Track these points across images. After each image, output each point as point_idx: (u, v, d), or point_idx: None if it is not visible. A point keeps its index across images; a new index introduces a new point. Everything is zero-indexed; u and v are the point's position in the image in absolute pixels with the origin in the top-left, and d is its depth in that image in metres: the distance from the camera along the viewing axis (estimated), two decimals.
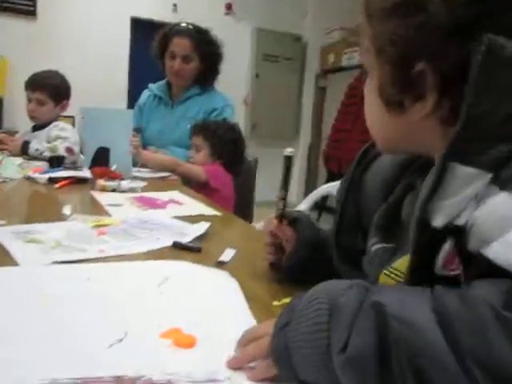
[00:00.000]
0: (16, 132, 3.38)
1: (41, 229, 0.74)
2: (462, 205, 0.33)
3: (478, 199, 0.33)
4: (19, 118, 3.78)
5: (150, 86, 2.11)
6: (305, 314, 0.32)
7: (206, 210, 1.01)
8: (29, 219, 0.82)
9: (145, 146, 1.78)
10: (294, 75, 5.38)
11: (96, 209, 0.96)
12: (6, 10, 4.36)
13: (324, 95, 5.23)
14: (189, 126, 1.77)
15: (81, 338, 0.39)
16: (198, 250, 0.70)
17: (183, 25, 1.98)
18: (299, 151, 5.47)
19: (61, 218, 0.85)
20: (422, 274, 0.36)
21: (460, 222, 0.33)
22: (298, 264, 0.57)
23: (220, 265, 0.64)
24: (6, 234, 0.69)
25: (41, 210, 0.96)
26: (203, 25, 5.45)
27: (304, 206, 1.48)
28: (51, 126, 1.82)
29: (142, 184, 1.30)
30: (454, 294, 0.29)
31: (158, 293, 0.50)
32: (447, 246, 0.35)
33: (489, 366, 0.25)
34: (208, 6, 5.05)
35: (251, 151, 4.74)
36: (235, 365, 0.36)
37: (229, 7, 5.19)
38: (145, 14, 4.86)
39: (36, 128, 1.87)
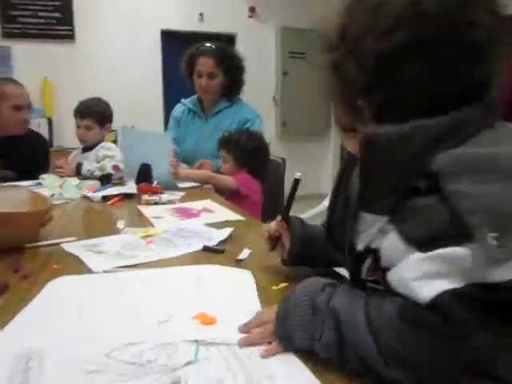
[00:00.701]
0: (66, 149, 3.72)
1: (102, 242, 0.96)
2: (373, 236, 0.50)
3: (383, 232, 0.48)
4: (67, 136, 4.13)
5: (183, 100, 2.32)
6: (296, 311, 0.49)
7: (233, 216, 1.20)
8: (92, 234, 1.04)
9: (182, 158, 2.01)
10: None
11: (142, 221, 1.17)
12: (47, 36, 4.73)
13: None
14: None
15: (140, 318, 0.59)
16: (222, 252, 0.89)
17: (207, 45, 2.17)
18: (330, 146, 5.58)
19: (116, 231, 1.07)
20: (356, 279, 0.54)
21: (374, 246, 0.50)
22: (294, 257, 0.74)
23: (238, 262, 0.83)
24: (78, 247, 0.91)
25: (100, 225, 1.18)
26: (229, 30, 5.61)
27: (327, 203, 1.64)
28: (98, 147, 2.09)
29: (179, 195, 1.52)
30: (374, 306, 0.44)
31: (191, 288, 0.69)
32: (366, 263, 0.52)
33: (393, 352, 0.41)
34: (232, 12, 5.24)
35: (282, 149, 4.90)
36: (247, 343, 0.51)
37: (252, 10, 5.34)
38: (174, 25, 5.10)
39: (85, 149, 2.16)
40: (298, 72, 5.39)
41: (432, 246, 0.41)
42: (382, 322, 0.43)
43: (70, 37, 4.75)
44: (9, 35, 4.60)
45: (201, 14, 5.15)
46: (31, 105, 2.13)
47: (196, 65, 2.12)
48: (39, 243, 0.95)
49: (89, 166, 1.97)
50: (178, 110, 2.30)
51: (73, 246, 0.93)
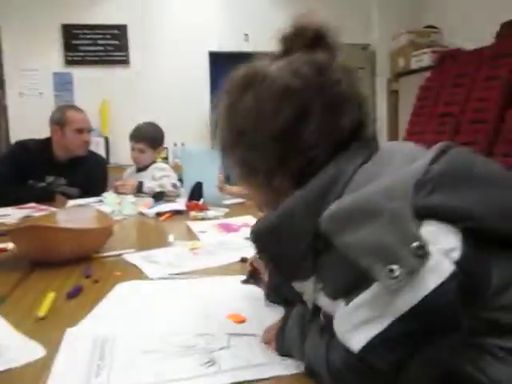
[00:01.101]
0: (121, 165, 4.01)
1: (156, 253, 1.13)
2: (312, 295, 0.54)
3: (317, 291, 0.52)
4: (122, 153, 4.44)
5: None
6: (288, 341, 0.57)
7: None
8: (147, 246, 1.21)
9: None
10: (365, 83, 5.53)
11: (190, 235, 1.34)
12: (105, 62, 5.13)
13: (397, 98, 5.31)
14: None
15: (187, 314, 0.74)
16: None
17: None
18: None
19: (167, 244, 1.24)
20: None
21: (319, 304, 0.54)
22: (272, 290, 0.75)
23: None
24: (137, 257, 1.08)
25: (154, 238, 1.36)
26: (274, 49, 5.79)
27: None
28: (152, 167, 2.32)
29: (224, 212, 1.68)
30: (330, 352, 0.48)
31: (228, 293, 0.84)
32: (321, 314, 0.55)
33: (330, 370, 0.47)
34: (277, 31, 5.43)
35: None
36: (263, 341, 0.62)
37: None
38: (220, 46, 5.36)
39: (140, 170, 2.39)
40: None
41: (348, 297, 0.45)
42: (334, 368, 0.48)
43: (125, 62, 5.12)
44: (70, 63, 5.03)
45: (246, 35, 5.38)
46: (91, 128, 2.38)
47: None
48: (104, 254, 1.13)
49: (148, 183, 2.17)
50: None
51: (132, 257, 1.10)
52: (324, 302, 0.52)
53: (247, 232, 1.32)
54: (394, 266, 0.41)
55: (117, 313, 0.77)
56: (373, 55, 5.52)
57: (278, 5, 5.43)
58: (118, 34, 5.08)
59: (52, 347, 0.63)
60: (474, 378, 0.45)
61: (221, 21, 5.31)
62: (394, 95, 5.32)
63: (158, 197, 2.03)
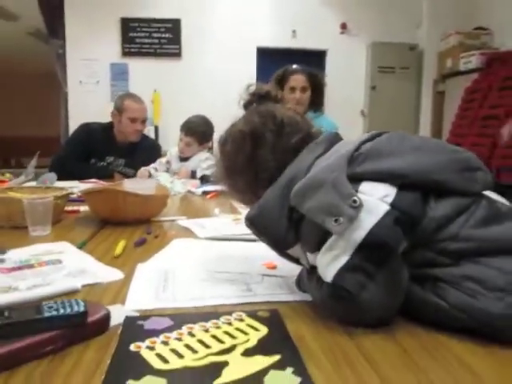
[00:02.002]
0: None
1: (205, 222, 1.32)
2: (304, 257, 0.71)
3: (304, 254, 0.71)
4: (171, 141, 4.70)
5: None
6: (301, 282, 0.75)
7: None
8: (196, 216, 1.40)
9: None
10: (410, 83, 5.52)
11: (233, 210, 1.52)
12: (159, 54, 5.41)
13: (443, 100, 5.28)
14: None
15: (232, 260, 0.92)
16: None
17: (294, 66, 2.51)
18: None
19: (213, 215, 1.43)
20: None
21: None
22: None
23: None
24: (188, 223, 1.28)
25: (202, 211, 1.56)
26: (320, 46, 5.82)
27: None
28: (195, 158, 2.46)
29: None
30: (320, 290, 0.63)
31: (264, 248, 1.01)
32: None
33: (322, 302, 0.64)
34: (324, 28, 5.52)
35: None
36: None
37: (344, 26, 5.58)
38: (268, 42, 5.52)
39: (182, 159, 2.54)
40: (387, 86, 5.50)
41: (320, 246, 0.63)
42: (323, 300, 0.64)
43: (177, 54, 5.39)
44: (127, 54, 5.35)
45: (294, 31, 5.51)
46: (146, 119, 2.59)
47: (288, 82, 2.46)
48: (161, 218, 1.34)
49: (199, 173, 2.35)
50: None
51: (184, 222, 1.30)
52: (310, 257, 0.69)
53: None
54: (339, 217, 0.59)
55: (175, 256, 0.97)
56: (420, 55, 5.50)
57: (326, 2, 5.51)
58: (172, 27, 5.35)
59: (128, 275, 0.83)
60: (438, 304, 0.59)
61: (269, 17, 5.47)
62: (439, 96, 5.29)
63: (204, 179, 2.23)
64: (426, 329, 0.61)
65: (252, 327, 0.60)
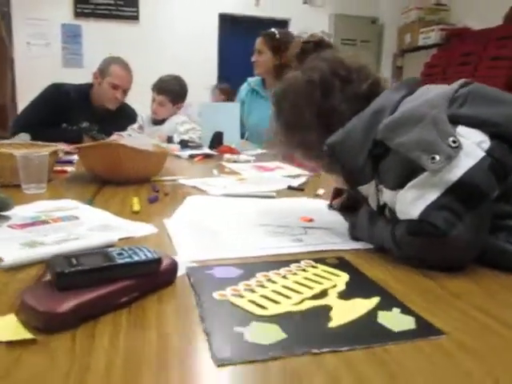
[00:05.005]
0: None
1: (209, 181, 1.25)
2: (375, 196, 0.70)
3: (380, 191, 0.68)
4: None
5: (249, 79, 2.58)
6: (359, 227, 0.72)
7: (302, 172, 1.47)
8: (196, 176, 1.32)
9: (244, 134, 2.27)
10: (371, 57, 5.58)
11: (231, 171, 1.46)
12: (114, 16, 5.09)
13: (401, 74, 5.39)
14: None
15: (262, 215, 0.87)
16: (303, 190, 1.16)
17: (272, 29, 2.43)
18: None
19: (213, 175, 1.36)
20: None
21: (381, 202, 0.69)
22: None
23: (317, 196, 1.09)
24: (193, 182, 1.21)
25: (199, 172, 1.47)
26: (283, 15, 5.72)
27: None
28: (171, 120, 2.34)
29: (253, 158, 1.80)
30: (395, 228, 0.61)
31: (297, 204, 0.97)
32: (386, 211, 0.69)
33: (405, 250, 0.61)
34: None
35: None
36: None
37: None
38: (231, 9, 5.35)
39: (156, 122, 2.40)
40: None
41: (405, 183, 0.61)
42: (398, 236, 0.62)
43: (134, 18, 5.10)
44: (80, 15, 4.99)
45: (257, 0, 5.38)
46: (129, 89, 2.40)
47: None
48: (162, 178, 1.25)
49: (177, 138, 2.24)
50: (244, 90, 2.56)
51: (188, 181, 1.22)
52: (386, 195, 0.67)
53: (283, 172, 1.46)
54: (436, 155, 0.57)
55: (203, 211, 0.91)
56: (381, 29, 5.57)
57: None
58: None
59: (159, 229, 0.76)
60: (507, 249, 0.59)
61: None
62: (398, 71, 5.39)
63: (183, 144, 2.13)
64: (503, 272, 0.60)
65: (330, 273, 0.57)
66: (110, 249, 0.50)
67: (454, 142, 0.57)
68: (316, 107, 0.74)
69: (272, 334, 0.41)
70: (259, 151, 2.02)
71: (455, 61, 4.24)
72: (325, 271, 0.57)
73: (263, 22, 5.27)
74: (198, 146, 2.12)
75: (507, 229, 0.60)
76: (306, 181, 1.26)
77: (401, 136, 0.61)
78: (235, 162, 1.69)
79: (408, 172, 0.61)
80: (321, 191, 1.13)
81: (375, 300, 0.49)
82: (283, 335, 0.41)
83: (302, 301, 0.48)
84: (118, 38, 4.99)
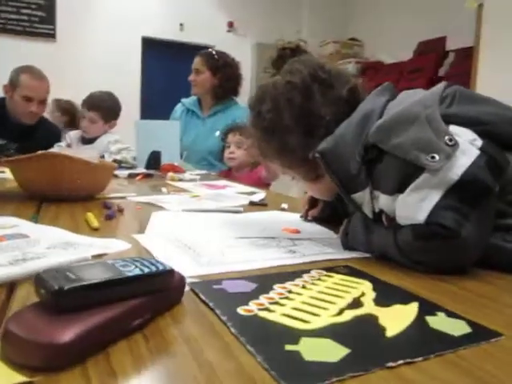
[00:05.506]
0: None
1: (162, 197, 1.15)
2: (370, 204, 0.65)
3: (375, 198, 0.64)
4: None
5: (183, 100, 2.52)
6: (353, 235, 0.68)
7: (254, 189, 1.42)
8: (146, 194, 1.21)
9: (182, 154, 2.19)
10: None
11: (180, 189, 1.37)
12: (29, 33, 4.76)
13: None
14: (217, 134, 2.21)
15: (243, 228, 0.80)
16: (265, 205, 1.11)
17: (208, 50, 2.41)
18: None
19: (162, 193, 1.26)
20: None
21: (377, 209, 0.65)
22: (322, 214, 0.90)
23: (283, 210, 1.05)
24: (145, 199, 1.10)
25: (147, 190, 1.36)
26: (208, 42, 5.75)
27: None
28: (103, 139, 2.19)
29: (198, 176, 1.72)
30: (398, 234, 0.58)
31: (266, 218, 0.91)
32: (383, 218, 0.66)
33: (411, 257, 0.58)
34: (211, 24, 5.49)
35: None
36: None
37: (231, 25, 5.62)
38: (154, 33, 5.27)
39: (85, 141, 2.24)
40: None
41: (405, 186, 0.58)
42: (403, 243, 0.59)
43: (51, 36, 4.81)
44: None
45: (181, 25, 5.36)
46: (46, 99, 2.20)
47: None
48: (110, 195, 1.13)
49: (109, 158, 2.09)
50: (178, 110, 2.49)
51: (139, 199, 1.11)
52: (383, 201, 0.63)
53: (234, 190, 1.40)
54: (435, 154, 0.55)
55: (175, 226, 0.81)
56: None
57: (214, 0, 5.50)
58: (45, 5, 4.76)
59: (132, 244, 0.66)
60: (506, 247, 0.59)
61: (157, 7, 5.23)
62: None
63: (118, 163, 1.99)
64: (503, 273, 0.59)
65: (350, 281, 0.51)
66: (108, 260, 0.40)
67: (450, 140, 0.56)
68: (296, 109, 0.70)
69: (333, 350, 0.34)
70: (197, 171, 1.95)
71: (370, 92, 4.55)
72: (343, 280, 0.52)
73: (187, 47, 5.27)
74: (132, 167, 1.99)
75: (503, 228, 0.60)
76: (264, 197, 1.21)
77: (395, 137, 0.59)
78: (180, 180, 1.60)
79: (406, 175, 0.58)
80: (285, 205, 1.09)
81: (414, 305, 0.44)
82: (346, 350, 0.34)
83: (341, 311, 0.42)
84: (32, 56, 4.64)
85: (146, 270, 0.38)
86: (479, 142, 0.58)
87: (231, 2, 5.58)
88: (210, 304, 0.43)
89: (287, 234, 0.76)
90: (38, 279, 0.35)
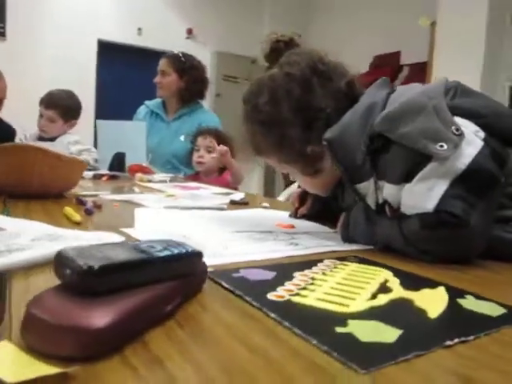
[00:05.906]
0: None
1: (137, 196, 1.09)
2: (374, 194, 0.65)
3: (379, 188, 0.64)
4: None
5: (146, 102, 2.44)
6: (355, 226, 0.66)
7: (228, 190, 1.39)
8: (120, 192, 1.15)
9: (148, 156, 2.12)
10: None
11: (153, 191, 1.31)
12: None
13: None
14: (182, 138, 2.17)
15: (237, 222, 0.76)
16: (247, 203, 1.08)
17: (174, 52, 2.36)
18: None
19: (134, 192, 1.20)
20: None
21: (381, 200, 0.64)
22: (312, 212, 0.88)
23: (265, 208, 1.03)
24: (120, 197, 1.04)
25: (117, 189, 1.29)
26: (166, 47, 5.68)
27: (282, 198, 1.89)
28: (62, 139, 2.08)
29: (168, 177, 1.66)
30: (404, 224, 0.58)
31: (255, 214, 0.88)
32: (387, 209, 0.66)
33: (417, 246, 0.58)
34: (170, 30, 5.42)
35: None
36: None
37: (189, 32, 5.58)
38: (111, 36, 5.13)
39: (42, 139, 2.12)
40: (231, 94, 5.66)
41: (411, 176, 0.58)
42: (409, 232, 0.59)
43: (0, 34, 4.56)
44: None
45: (139, 29, 5.26)
46: (3, 99, 2.06)
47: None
48: (82, 193, 1.06)
49: None
50: (142, 112, 2.41)
51: (114, 197, 1.05)
52: (388, 191, 0.63)
53: (209, 191, 1.36)
54: (443, 143, 0.55)
55: (164, 221, 0.77)
56: (262, 69, 5.83)
57: (172, 5, 5.45)
58: None
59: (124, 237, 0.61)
60: (506, 238, 0.60)
61: (114, 11, 5.10)
62: None
63: None
64: (504, 263, 0.60)
65: (367, 269, 0.50)
66: (130, 242, 0.36)
67: (457, 130, 0.56)
68: (295, 101, 0.69)
69: (386, 331, 0.32)
70: (163, 174, 1.89)
71: None
72: (360, 268, 0.50)
73: (145, 51, 5.17)
74: (94, 169, 1.90)
75: (503, 219, 0.61)
76: (244, 196, 1.18)
77: (403, 127, 0.59)
78: (149, 181, 1.54)
79: (413, 164, 0.58)
80: (266, 204, 1.07)
81: (442, 289, 0.43)
82: (398, 331, 0.32)
83: (374, 296, 0.40)
84: None
85: (176, 252, 0.35)
86: (482, 134, 0.59)
87: (190, 8, 5.55)
88: (236, 291, 0.40)
89: (283, 229, 0.74)
90: (59, 258, 0.30)
